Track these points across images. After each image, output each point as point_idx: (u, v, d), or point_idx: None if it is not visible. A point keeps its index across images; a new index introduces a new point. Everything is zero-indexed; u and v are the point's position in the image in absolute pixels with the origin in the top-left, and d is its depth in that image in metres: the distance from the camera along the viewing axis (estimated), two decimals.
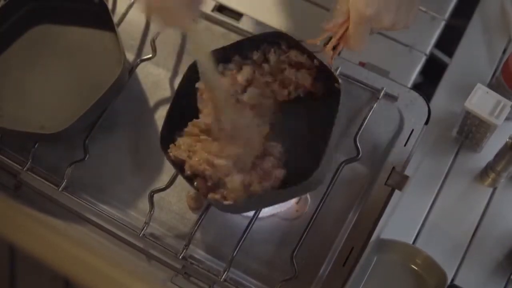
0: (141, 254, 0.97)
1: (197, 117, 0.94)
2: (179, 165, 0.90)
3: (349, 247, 0.94)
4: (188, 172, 0.89)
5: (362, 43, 0.89)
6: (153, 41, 1.05)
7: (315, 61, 0.94)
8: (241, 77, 0.95)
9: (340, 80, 0.91)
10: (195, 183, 0.89)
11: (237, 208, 0.92)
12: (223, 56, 0.95)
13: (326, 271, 0.94)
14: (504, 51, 1.10)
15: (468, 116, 0.96)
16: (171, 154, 0.90)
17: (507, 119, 0.95)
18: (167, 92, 1.06)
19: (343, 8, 0.86)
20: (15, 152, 1.03)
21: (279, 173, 0.90)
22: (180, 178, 0.93)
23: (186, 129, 0.93)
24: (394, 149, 0.99)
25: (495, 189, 1.01)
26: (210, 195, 0.87)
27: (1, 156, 1.02)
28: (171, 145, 0.91)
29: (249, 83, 0.96)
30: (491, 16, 1.12)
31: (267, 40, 0.96)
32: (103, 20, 1.04)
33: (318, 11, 1.16)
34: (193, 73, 0.94)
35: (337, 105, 0.89)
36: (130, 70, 1.05)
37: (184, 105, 0.94)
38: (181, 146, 0.91)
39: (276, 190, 0.89)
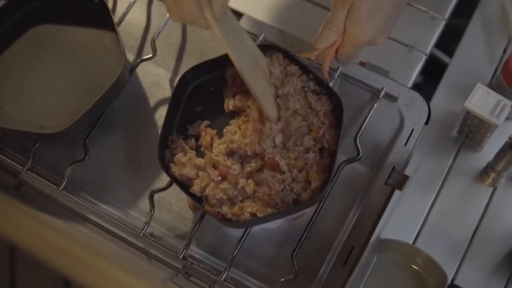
0: (141, 254, 0.97)
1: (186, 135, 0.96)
2: (186, 180, 0.92)
3: (349, 247, 0.94)
4: (197, 195, 0.90)
5: (352, 59, 0.94)
6: (153, 41, 1.05)
7: (311, 75, 0.94)
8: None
9: (339, 97, 0.92)
10: (203, 204, 0.90)
11: (243, 225, 0.93)
12: (212, 68, 0.96)
13: (326, 271, 0.94)
14: (504, 51, 1.10)
15: (468, 116, 0.96)
16: (174, 172, 0.91)
17: (507, 119, 0.95)
18: (167, 92, 1.06)
19: (338, 28, 0.89)
20: (16, 152, 1.03)
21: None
22: None
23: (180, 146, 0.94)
24: (394, 149, 0.99)
25: (495, 189, 1.01)
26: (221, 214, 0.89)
27: (2, 156, 1.02)
28: (171, 164, 0.92)
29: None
30: (491, 16, 1.12)
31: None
32: (103, 20, 1.04)
33: (318, 11, 1.16)
34: (180, 92, 0.96)
35: (341, 124, 0.91)
36: (130, 70, 1.05)
37: (176, 122, 0.96)
38: (185, 163, 0.92)
39: (286, 209, 0.89)
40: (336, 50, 0.93)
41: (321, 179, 0.89)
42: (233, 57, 0.87)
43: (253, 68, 0.91)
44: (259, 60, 0.92)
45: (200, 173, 0.91)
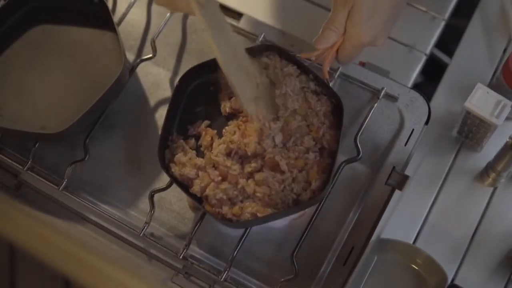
0: (141, 254, 0.97)
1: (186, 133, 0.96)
2: (182, 183, 0.92)
3: (349, 247, 0.94)
4: (198, 195, 0.90)
5: (353, 60, 0.95)
6: (153, 41, 1.05)
7: (311, 75, 0.94)
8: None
9: (340, 98, 0.92)
10: (203, 204, 0.90)
11: (243, 225, 0.93)
12: (212, 68, 0.96)
13: (326, 271, 0.94)
14: (504, 51, 1.10)
15: (468, 116, 0.96)
16: (174, 172, 0.91)
17: (507, 119, 0.95)
18: (167, 92, 1.06)
19: (339, 29, 0.89)
20: (16, 152, 1.03)
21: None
22: None
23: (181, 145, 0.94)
24: (394, 149, 0.99)
25: (495, 189, 1.01)
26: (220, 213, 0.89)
27: (2, 156, 1.02)
28: (172, 164, 0.92)
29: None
30: (491, 16, 1.12)
31: (257, 52, 0.95)
32: (103, 20, 1.04)
33: (318, 11, 1.16)
34: (180, 92, 0.96)
35: (341, 124, 0.91)
36: (130, 70, 1.05)
37: (176, 123, 0.96)
38: (185, 162, 0.92)
39: (287, 209, 0.89)
40: (337, 51, 0.93)
41: (321, 179, 0.89)
42: (213, 45, 0.86)
43: (234, 61, 0.90)
44: (241, 57, 0.91)
45: (200, 173, 0.91)
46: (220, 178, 0.90)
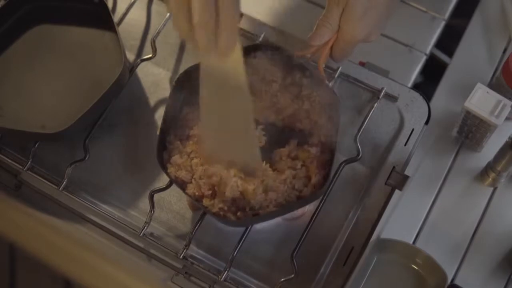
0: (141, 254, 0.97)
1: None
2: (180, 183, 0.91)
3: (349, 247, 0.94)
4: (193, 195, 0.89)
5: (347, 57, 0.94)
6: (153, 41, 1.05)
7: (307, 72, 0.94)
8: None
9: (336, 93, 0.92)
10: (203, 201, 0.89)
11: (245, 223, 0.92)
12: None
13: (326, 271, 0.94)
14: (504, 51, 1.10)
15: (468, 116, 0.96)
16: (170, 173, 0.90)
17: (507, 119, 0.96)
18: (167, 92, 1.06)
19: (333, 26, 0.89)
20: (16, 151, 1.03)
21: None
22: None
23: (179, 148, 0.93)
24: (394, 149, 0.99)
25: (495, 189, 1.01)
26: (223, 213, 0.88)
27: (2, 156, 1.02)
28: (168, 165, 0.91)
29: None
30: (491, 16, 1.12)
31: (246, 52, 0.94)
32: (103, 19, 1.04)
33: (318, 11, 1.16)
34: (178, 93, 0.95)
35: (338, 119, 0.90)
36: (130, 70, 1.05)
37: (174, 122, 0.95)
38: (180, 165, 0.91)
39: (286, 205, 0.89)
40: (331, 48, 0.92)
41: (321, 174, 0.89)
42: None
43: None
44: None
45: (193, 181, 0.90)
46: (210, 192, 0.88)
